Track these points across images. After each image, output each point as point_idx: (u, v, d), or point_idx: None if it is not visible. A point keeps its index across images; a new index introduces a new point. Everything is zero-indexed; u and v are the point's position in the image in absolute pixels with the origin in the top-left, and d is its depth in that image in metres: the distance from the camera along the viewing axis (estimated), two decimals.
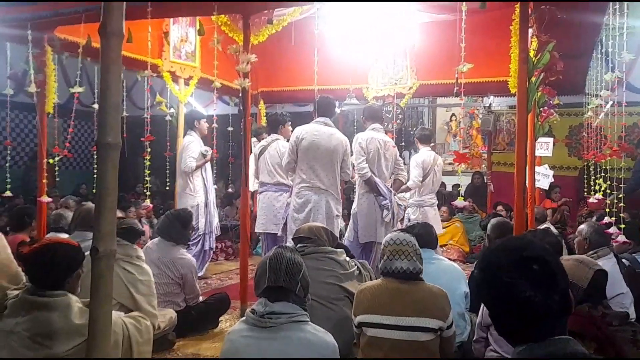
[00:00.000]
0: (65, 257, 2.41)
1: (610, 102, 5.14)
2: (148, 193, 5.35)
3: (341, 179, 4.99)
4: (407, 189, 5.88)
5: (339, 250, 3.53)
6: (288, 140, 5.28)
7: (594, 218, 5.23)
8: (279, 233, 5.43)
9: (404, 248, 2.74)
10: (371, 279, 3.60)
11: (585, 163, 6.87)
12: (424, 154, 6.11)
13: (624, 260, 3.91)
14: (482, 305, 2.86)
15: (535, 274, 1.22)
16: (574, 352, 1.20)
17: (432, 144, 6.53)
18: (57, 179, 5.23)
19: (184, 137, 6.07)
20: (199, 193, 5.88)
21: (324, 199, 4.66)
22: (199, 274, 5.75)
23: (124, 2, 1.74)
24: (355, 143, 4.90)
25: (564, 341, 1.21)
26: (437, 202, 6.32)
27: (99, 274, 1.74)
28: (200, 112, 6.43)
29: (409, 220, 5.85)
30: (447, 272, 3.46)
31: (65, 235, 4.23)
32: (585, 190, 6.38)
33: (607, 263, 3.26)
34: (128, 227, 3.49)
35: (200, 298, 4.34)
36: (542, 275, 1.22)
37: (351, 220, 5.04)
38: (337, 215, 4.77)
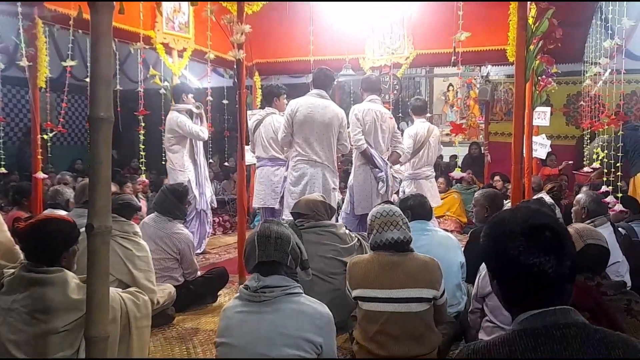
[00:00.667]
0: (59, 232, 2.40)
1: (609, 70, 5.10)
2: (143, 168, 5.33)
3: (339, 152, 4.96)
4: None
5: (338, 223, 3.53)
6: (283, 114, 5.23)
7: (584, 188, 5.24)
8: (277, 206, 5.43)
9: (393, 219, 2.74)
10: None
11: (583, 132, 6.86)
12: (417, 125, 5.99)
13: (620, 229, 3.92)
14: (478, 276, 2.87)
15: (546, 241, 1.23)
16: (575, 322, 1.21)
17: (428, 115, 6.43)
18: (50, 155, 5.19)
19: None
20: (188, 168, 5.81)
21: (320, 172, 4.64)
22: (198, 251, 5.77)
23: None
24: (352, 114, 4.86)
25: (565, 311, 1.22)
26: (433, 174, 6.21)
27: (94, 250, 1.73)
28: (188, 86, 6.27)
29: (404, 193, 5.78)
30: (443, 243, 3.47)
31: (62, 212, 4.23)
32: (586, 159, 6.37)
33: (604, 232, 3.24)
34: (124, 203, 3.48)
35: (199, 273, 4.35)
36: (552, 242, 1.24)
37: (347, 193, 5.03)
38: (334, 188, 4.76)
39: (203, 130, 5.73)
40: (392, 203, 3.02)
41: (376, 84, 5.16)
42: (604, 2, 5.19)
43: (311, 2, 5.36)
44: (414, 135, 5.86)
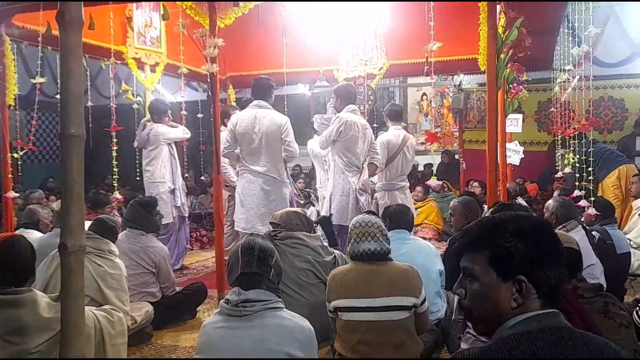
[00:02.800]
0: (26, 251, 2.33)
1: (577, 77, 5.21)
2: (117, 184, 5.25)
3: (287, 160, 4.85)
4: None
5: (313, 235, 3.49)
6: None
7: (556, 193, 5.32)
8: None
9: (370, 230, 2.74)
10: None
11: (554, 138, 7.00)
12: (391, 133, 5.70)
13: (594, 232, 3.98)
14: None
15: (549, 245, 1.27)
16: (564, 325, 1.21)
17: (403, 124, 6.35)
18: (20, 174, 5.08)
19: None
20: (167, 178, 5.77)
21: (261, 182, 4.68)
22: (177, 267, 5.69)
23: None
24: (336, 122, 4.80)
25: (553, 314, 1.23)
26: (407, 185, 5.86)
27: (68, 269, 1.69)
28: (165, 106, 6.16)
29: (377, 205, 5.62)
30: (422, 251, 3.48)
31: (38, 234, 4.14)
32: (557, 165, 6.48)
33: (576, 235, 3.29)
34: (100, 221, 3.43)
35: (177, 288, 4.28)
36: (556, 246, 1.27)
37: (327, 202, 4.99)
38: (284, 198, 4.74)
39: (185, 130, 5.82)
40: (374, 214, 3.02)
41: (353, 92, 5.09)
42: (570, 10, 5.32)
43: (284, 14, 5.37)
44: (386, 143, 5.60)
